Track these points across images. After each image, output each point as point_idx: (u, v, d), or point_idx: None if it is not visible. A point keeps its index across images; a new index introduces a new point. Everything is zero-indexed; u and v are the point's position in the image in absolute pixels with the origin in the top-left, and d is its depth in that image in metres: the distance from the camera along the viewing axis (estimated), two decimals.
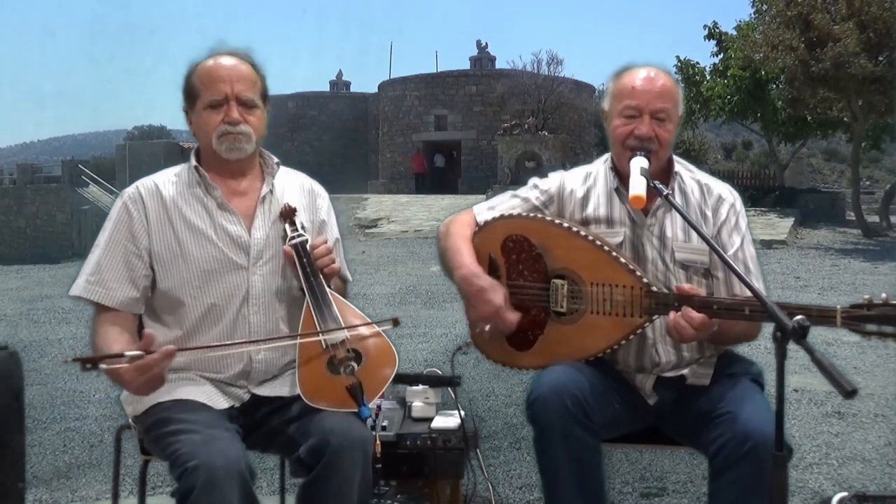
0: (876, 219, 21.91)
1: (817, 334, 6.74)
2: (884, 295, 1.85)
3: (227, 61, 2.08)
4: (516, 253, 2.20)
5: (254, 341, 2.05)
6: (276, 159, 2.20)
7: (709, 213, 2.20)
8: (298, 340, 2.03)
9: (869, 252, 16.33)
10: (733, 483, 1.90)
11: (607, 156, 2.29)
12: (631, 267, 2.08)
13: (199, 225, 2.07)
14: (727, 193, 2.24)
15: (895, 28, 17.79)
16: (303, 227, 2.12)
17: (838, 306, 1.86)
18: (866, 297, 1.85)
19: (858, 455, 3.91)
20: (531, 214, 2.25)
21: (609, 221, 2.21)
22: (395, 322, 2.08)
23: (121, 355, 1.79)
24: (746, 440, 1.88)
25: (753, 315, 1.91)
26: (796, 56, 18.05)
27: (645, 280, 2.06)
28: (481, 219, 2.29)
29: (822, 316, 1.85)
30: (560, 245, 2.15)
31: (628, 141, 2.13)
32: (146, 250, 2.06)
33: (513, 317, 2.13)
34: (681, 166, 2.26)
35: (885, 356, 6.25)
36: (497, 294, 2.13)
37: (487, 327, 2.14)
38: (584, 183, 2.28)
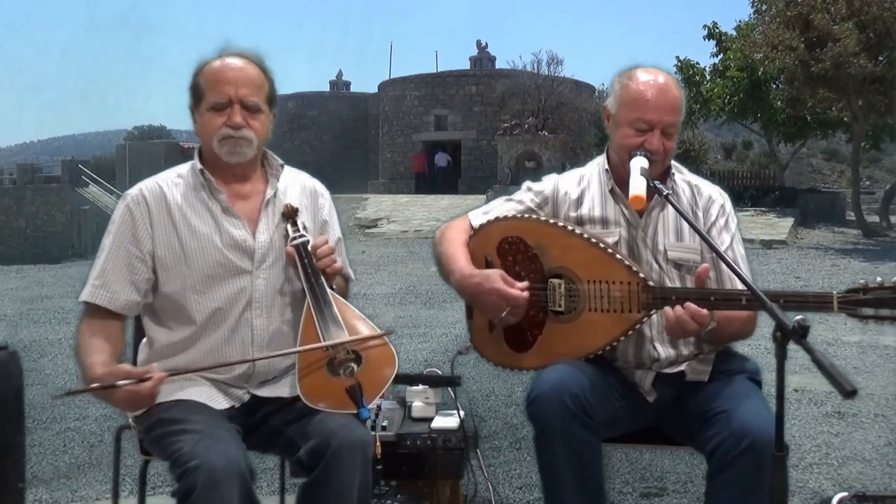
0: (876, 219, 21.90)
1: (817, 334, 6.75)
2: (879, 279, 1.86)
3: (234, 63, 2.06)
4: (512, 254, 2.20)
5: (252, 360, 2.04)
6: (280, 161, 2.19)
7: (699, 214, 2.23)
8: (298, 349, 2.02)
9: (869, 252, 16.32)
10: (731, 481, 1.90)
11: (601, 158, 2.31)
12: (627, 263, 2.08)
13: (204, 230, 2.06)
14: (717, 195, 2.27)
15: (895, 28, 17.77)
16: (304, 228, 2.11)
17: (834, 291, 1.87)
18: (862, 281, 1.86)
19: (858, 455, 3.91)
20: (526, 215, 2.26)
21: (604, 222, 2.22)
22: (388, 333, 2.06)
23: (113, 386, 1.82)
24: (743, 438, 1.88)
25: (750, 304, 1.93)
26: (796, 56, 18.03)
27: (641, 275, 2.06)
28: (476, 223, 2.29)
29: (819, 302, 1.87)
30: (556, 244, 2.15)
31: (636, 151, 2.13)
32: (149, 254, 2.05)
33: (517, 290, 2.09)
34: (672, 167, 2.27)
35: (885, 356, 6.25)
36: (494, 280, 2.10)
37: (504, 314, 2.09)
38: (579, 185, 2.29)
